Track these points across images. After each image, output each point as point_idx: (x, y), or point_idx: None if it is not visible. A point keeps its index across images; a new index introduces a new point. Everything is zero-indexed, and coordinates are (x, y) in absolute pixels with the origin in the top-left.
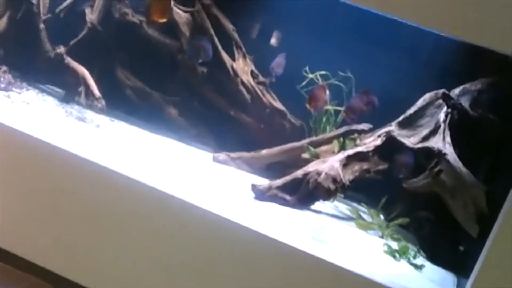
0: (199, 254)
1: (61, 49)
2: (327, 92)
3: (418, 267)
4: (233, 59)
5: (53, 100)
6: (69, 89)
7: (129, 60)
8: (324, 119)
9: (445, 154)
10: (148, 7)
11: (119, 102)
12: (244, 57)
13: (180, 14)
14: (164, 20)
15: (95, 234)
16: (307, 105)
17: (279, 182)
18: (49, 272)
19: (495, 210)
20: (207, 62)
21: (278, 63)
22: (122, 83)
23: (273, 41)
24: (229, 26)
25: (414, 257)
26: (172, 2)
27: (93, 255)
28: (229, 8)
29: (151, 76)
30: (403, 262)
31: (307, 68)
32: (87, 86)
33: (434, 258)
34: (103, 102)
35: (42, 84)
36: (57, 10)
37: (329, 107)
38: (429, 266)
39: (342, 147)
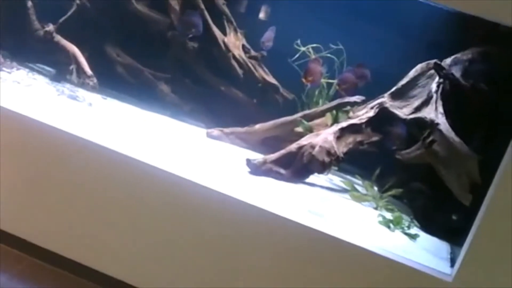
0: (196, 228)
1: (50, 27)
2: (322, 65)
3: (412, 237)
4: (224, 34)
5: (44, 79)
6: (60, 68)
7: (119, 37)
8: (316, 93)
9: (437, 124)
10: None
11: (111, 80)
12: (235, 31)
13: None
14: None
15: (90, 211)
16: (303, 80)
17: (273, 156)
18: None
19: (487, 179)
20: (198, 37)
21: (268, 37)
22: (113, 60)
23: (262, 15)
24: (220, 0)
25: (408, 227)
26: None
27: (88, 232)
28: None
29: (142, 53)
30: (397, 232)
31: (298, 41)
32: (78, 64)
33: (428, 227)
34: (95, 80)
35: (32, 63)
36: None
37: (322, 80)
38: (423, 236)
39: (335, 120)
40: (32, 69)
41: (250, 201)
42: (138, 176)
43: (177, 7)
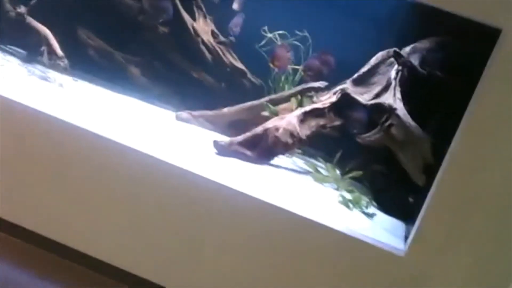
0: (167, 206)
1: (22, 9)
2: (290, 51)
3: (370, 216)
4: (194, 19)
5: (16, 60)
6: (31, 49)
7: (91, 20)
8: (283, 78)
9: (395, 109)
10: None
11: (82, 62)
12: (205, 17)
13: None
14: None
15: (63, 191)
16: (271, 64)
17: (240, 138)
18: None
19: (440, 161)
20: (168, 22)
21: (236, 23)
22: (84, 42)
23: (235, 6)
24: None
25: (366, 207)
26: None
27: (61, 211)
28: None
29: (113, 36)
30: (356, 212)
31: (265, 28)
32: (49, 46)
33: (385, 208)
34: (66, 61)
35: (3, 45)
36: None
37: (288, 66)
38: (381, 216)
39: (300, 105)
40: (3, 50)
41: (217, 180)
42: (110, 155)
43: None
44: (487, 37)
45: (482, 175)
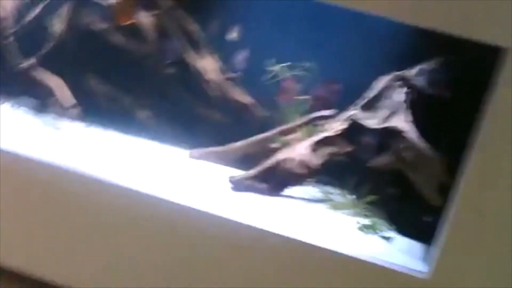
0: (186, 249)
1: (32, 61)
2: (296, 82)
3: (388, 239)
4: (201, 58)
5: (28, 111)
6: (43, 99)
7: (99, 67)
8: (291, 109)
9: (405, 132)
10: (113, 11)
11: (93, 109)
12: (211, 55)
13: (145, 18)
14: (131, 21)
15: (74, 237)
16: (279, 98)
17: (253, 172)
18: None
19: (454, 180)
20: (175, 63)
21: (242, 58)
22: (94, 90)
23: (236, 36)
24: (194, 26)
25: (384, 231)
26: (136, 5)
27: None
28: (193, 8)
29: (122, 81)
30: (374, 237)
31: (272, 61)
32: (60, 95)
33: (402, 229)
34: (77, 109)
35: (15, 97)
36: (24, 22)
37: (296, 97)
38: (399, 238)
39: (310, 134)
40: (16, 102)
41: (234, 217)
42: (126, 202)
43: (153, 35)
44: (492, 55)
45: (499, 190)
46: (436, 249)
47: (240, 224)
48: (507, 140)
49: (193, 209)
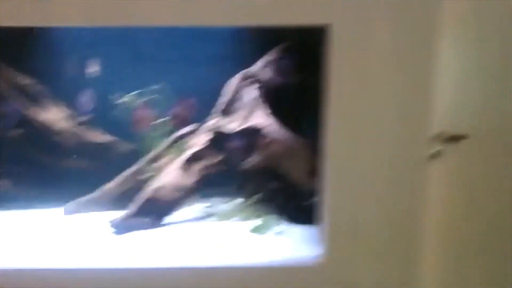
0: None
1: None
2: (149, 108)
3: (281, 233)
4: (45, 110)
5: None
6: None
7: None
8: (153, 135)
9: (265, 127)
10: None
11: None
12: (55, 105)
13: None
14: None
15: None
16: (134, 127)
17: (132, 209)
18: None
19: (321, 161)
20: (21, 123)
21: (88, 99)
22: None
23: (91, 69)
24: (28, 81)
25: (276, 225)
26: None
27: None
28: (20, 64)
29: None
30: (269, 234)
31: (120, 93)
32: None
33: (292, 219)
34: None
35: None
36: None
37: (153, 122)
38: (292, 228)
39: (179, 153)
40: None
41: (120, 264)
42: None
43: None
44: (321, 32)
45: (359, 161)
46: (323, 228)
47: (126, 269)
48: (349, 111)
49: (72, 270)
